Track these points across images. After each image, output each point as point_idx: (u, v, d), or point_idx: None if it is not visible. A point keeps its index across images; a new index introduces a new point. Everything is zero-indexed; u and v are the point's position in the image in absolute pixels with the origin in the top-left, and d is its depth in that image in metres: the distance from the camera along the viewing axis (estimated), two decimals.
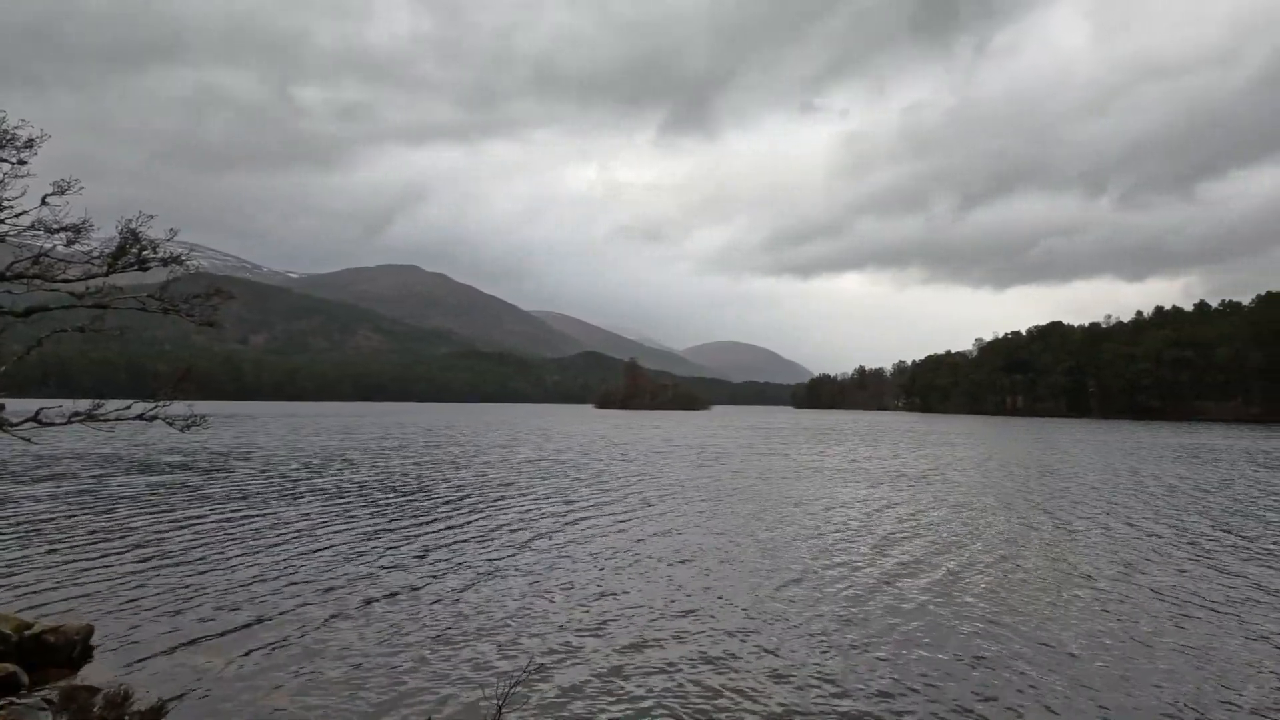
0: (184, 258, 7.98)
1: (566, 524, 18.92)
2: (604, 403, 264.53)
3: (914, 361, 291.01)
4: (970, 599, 12.22)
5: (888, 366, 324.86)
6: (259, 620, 10.66)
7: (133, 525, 17.78)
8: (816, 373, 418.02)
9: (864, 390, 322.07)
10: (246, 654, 9.32)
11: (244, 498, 22.68)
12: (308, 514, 19.78)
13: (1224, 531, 18.90)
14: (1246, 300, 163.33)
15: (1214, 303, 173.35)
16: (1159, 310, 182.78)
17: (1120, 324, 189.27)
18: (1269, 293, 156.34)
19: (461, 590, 12.36)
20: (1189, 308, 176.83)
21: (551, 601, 11.81)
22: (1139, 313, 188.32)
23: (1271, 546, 17.01)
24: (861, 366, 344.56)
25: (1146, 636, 10.39)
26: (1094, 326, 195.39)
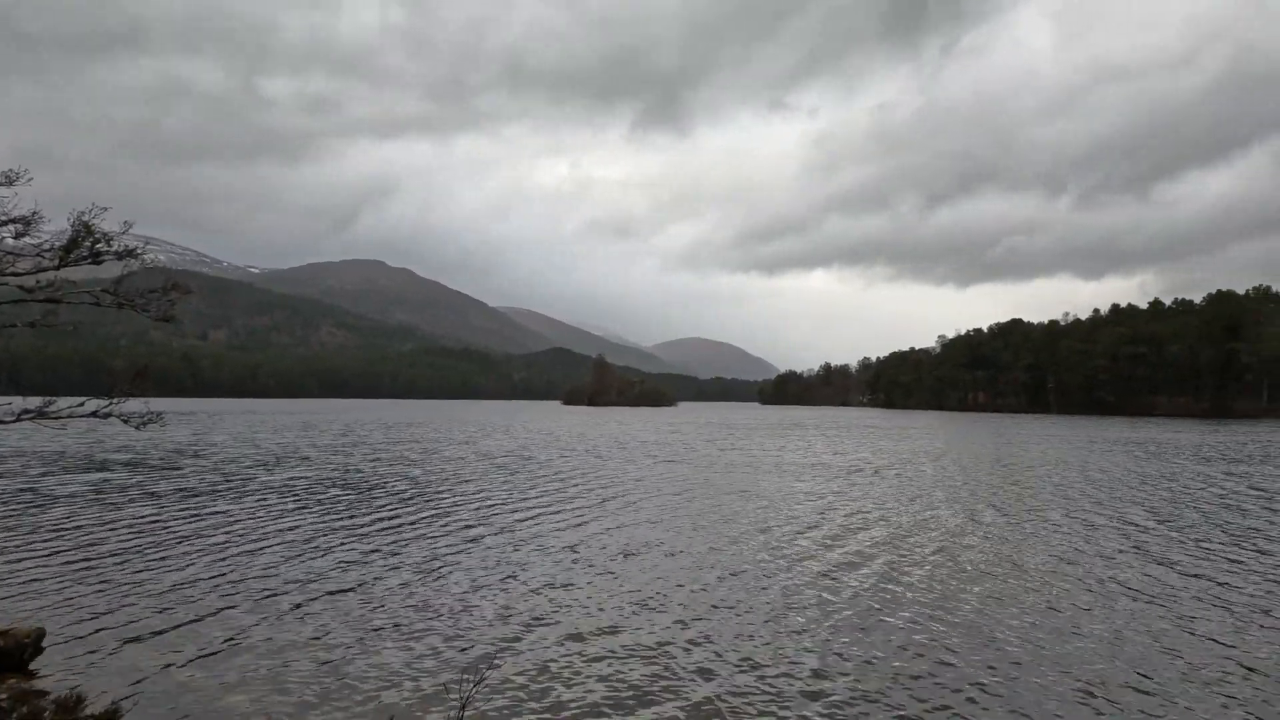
0: (139, 251, 7.85)
1: (524, 521, 18.94)
2: (571, 399, 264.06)
3: (879, 358, 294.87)
4: (903, 589, 12.49)
5: (853, 363, 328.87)
6: (214, 619, 10.55)
7: (82, 524, 17.44)
8: (783, 369, 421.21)
9: (829, 386, 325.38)
10: (202, 654, 9.21)
11: (197, 495, 22.33)
12: (261, 511, 19.55)
13: (1157, 522, 19.49)
14: (1198, 299, 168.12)
15: (1167, 301, 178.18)
16: (1115, 308, 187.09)
17: (1078, 321, 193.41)
18: (1219, 291, 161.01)
19: (420, 588, 12.34)
20: (1144, 305, 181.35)
21: (513, 598, 11.82)
22: (1096, 310, 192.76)
23: (1198, 537, 17.59)
24: (827, 363, 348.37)
25: (1065, 623, 10.71)
26: (1053, 324, 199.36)
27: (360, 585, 12.35)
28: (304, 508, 20.27)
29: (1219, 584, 12.90)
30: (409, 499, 22.33)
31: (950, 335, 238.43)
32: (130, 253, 7.81)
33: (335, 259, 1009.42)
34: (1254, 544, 16.57)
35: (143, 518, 18.37)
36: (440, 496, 22.98)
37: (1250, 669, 8.91)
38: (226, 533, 16.56)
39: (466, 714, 7.31)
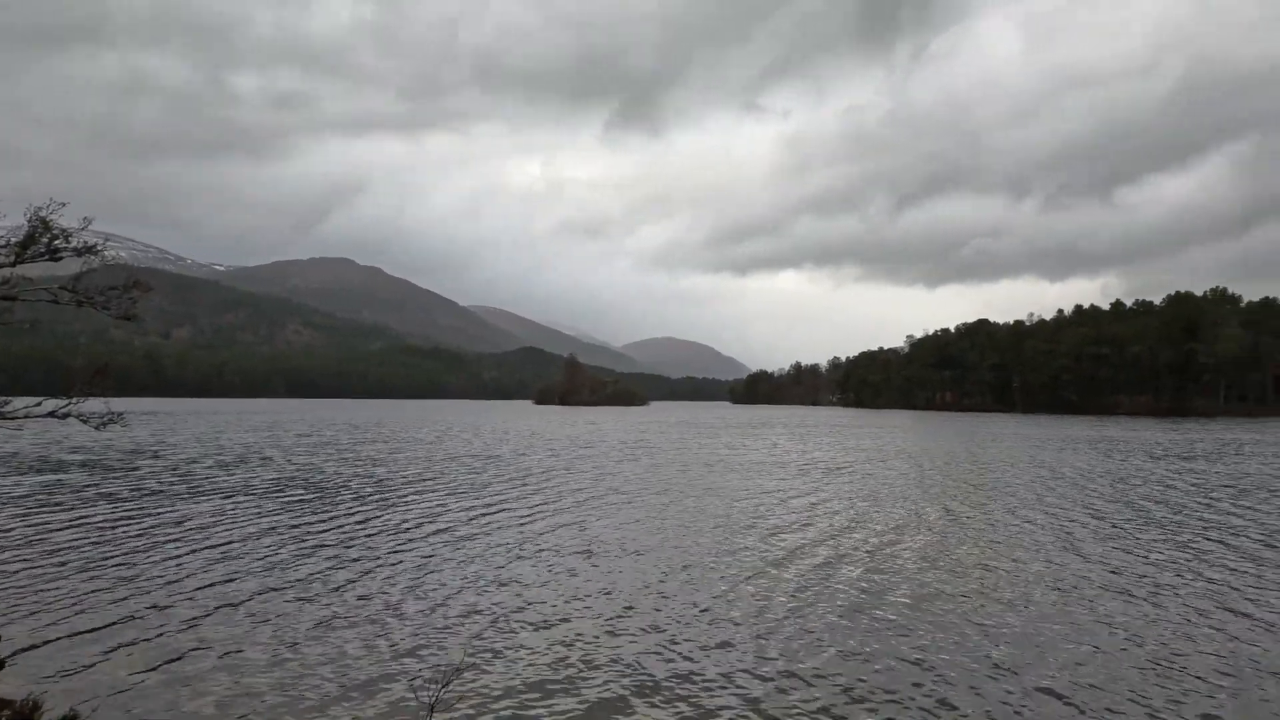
0: (99, 248, 7.68)
1: (489, 521, 18.75)
2: (542, 398, 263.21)
3: (848, 358, 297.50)
4: (841, 583, 12.57)
5: (823, 362, 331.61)
6: (175, 623, 10.29)
7: (37, 527, 16.97)
8: (754, 369, 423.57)
9: (800, 386, 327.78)
10: (163, 659, 8.96)
11: (155, 496, 21.86)
12: (221, 513, 19.16)
13: (1094, 518, 19.75)
14: (1158, 300, 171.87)
15: (1129, 302, 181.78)
16: (1078, 309, 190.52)
17: (1042, 322, 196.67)
18: (1177, 293, 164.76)
19: (385, 589, 12.13)
20: (1106, 307, 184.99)
21: (479, 599, 11.67)
22: (1060, 311, 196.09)
23: (1134, 532, 17.87)
24: (798, 363, 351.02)
25: (986, 617, 10.80)
26: (1018, 324, 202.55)
27: (322, 587, 12.12)
28: (265, 509, 19.94)
29: (1136, 574, 13.18)
30: (372, 500, 22.07)
31: (919, 335, 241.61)
32: (90, 249, 7.64)
33: (303, 257, 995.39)
34: (1181, 536, 16.97)
35: (99, 520, 17.92)
36: (404, 497, 22.76)
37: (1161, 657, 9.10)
38: (185, 535, 16.21)
39: (435, 716, 7.26)
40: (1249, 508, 21.91)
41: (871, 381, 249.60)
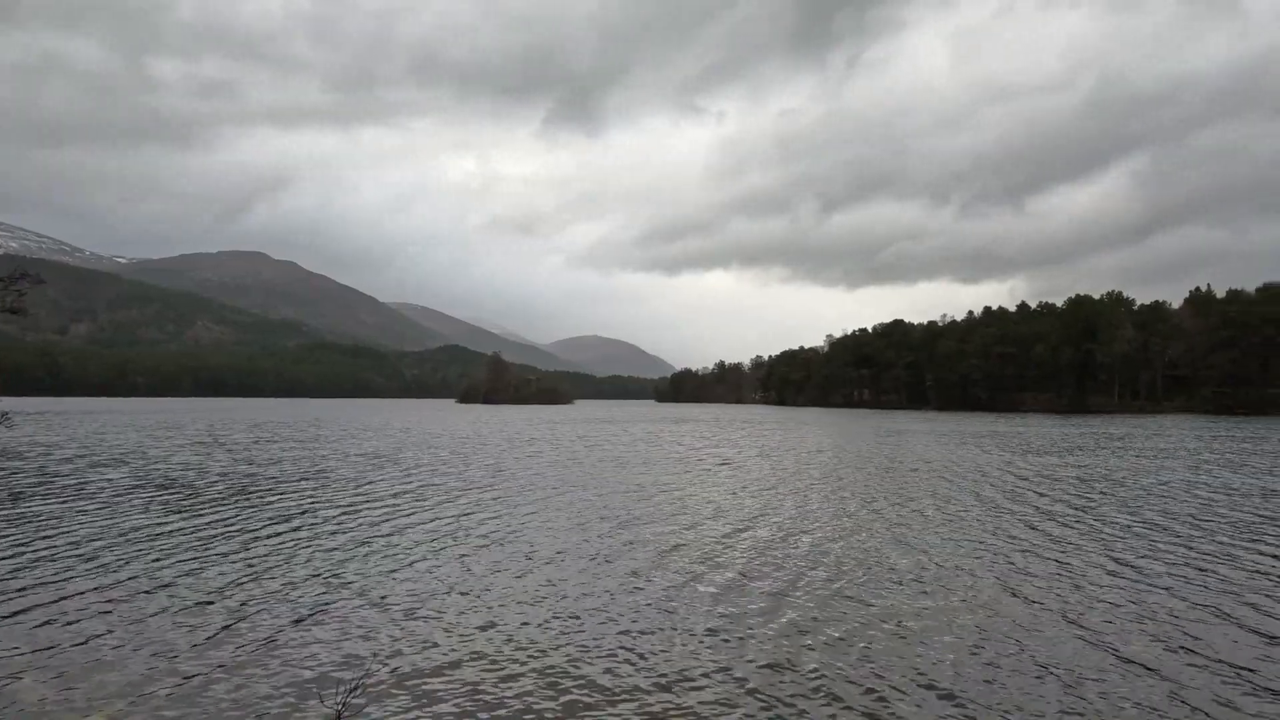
0: None
1: (385, 522, 18.05)
2: (466, 397, 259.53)
3: (771, 357, 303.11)
4: (712, 570, 12.60)
5: (747, 361, 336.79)
6: (62, 631, 9.67)
7: None
8: (680, 367, 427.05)
9: (724, 384, 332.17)
10: (54, 672, 8.36)
11: (24, 500, 20.42)
12: (93, 517, 17.97)
13: (937, 511, 20.35)
14: (1060, 302, 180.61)
15: (1034, 304, 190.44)
16: (987, 310, 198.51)
17: (954, 323, 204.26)
18: (1077, 295, 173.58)
19: (280, 593, 11.56)
20: (1013, 309, 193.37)
21: (381, 601, 11.30)
22: (970, 312, 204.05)
23: (965, 522, 18.43)
24: (722, 361, 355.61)
25: (809, 609, 10.96)
26: (932, 325, 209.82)
27: (212, 593, 11.48)
28: (142, 512, 18.76)
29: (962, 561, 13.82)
30: (259, 501, 21.12)
31: (838, 335, 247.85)
32: None
33: (213, 250, 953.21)
34: (1012, 525, 17.86)
35: None
36: (296, 498, 21.89)
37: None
38: (56, 540, 15.12)
39: None
40: (1087, 495, 23.11)
41: (793, 380, 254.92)
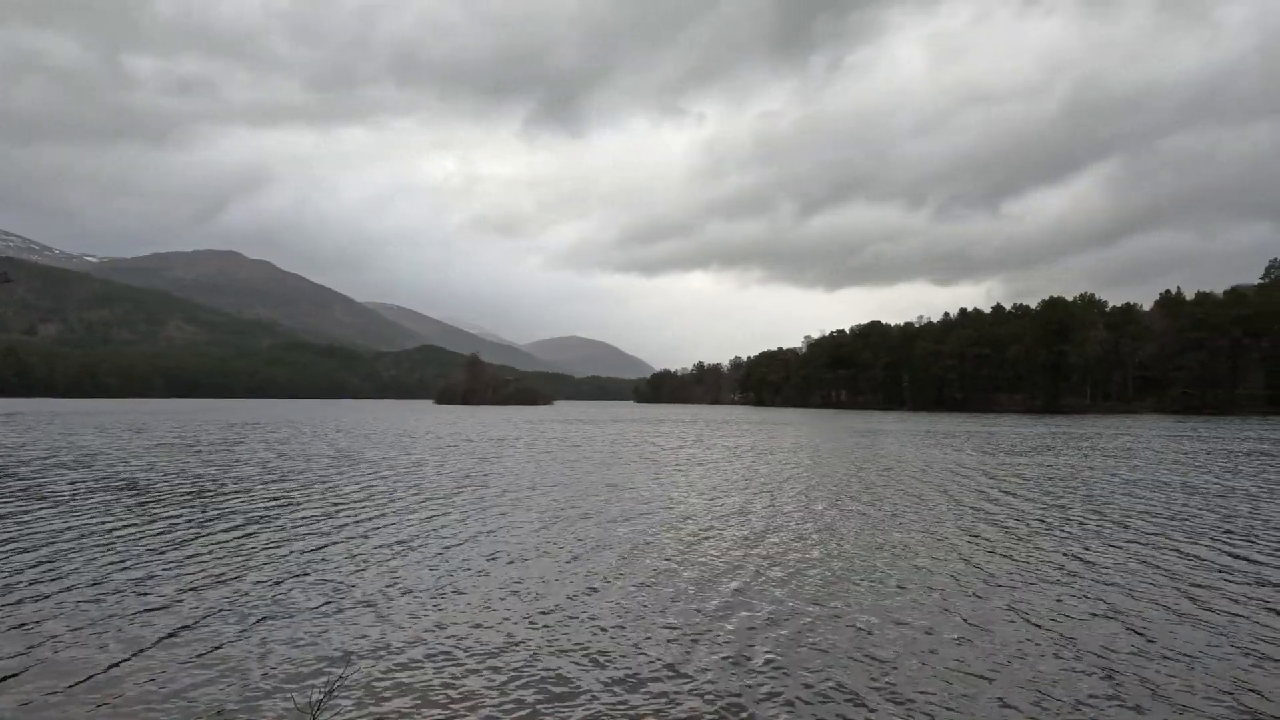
0: None
1: (353, 524, 17.68)
2: (444, 398, 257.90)
3: (749, 357, 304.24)
4: (677, 569, 12.46)
5: (726, 362, 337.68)
6: (18, 638, 9.28)
7: None
8: (659, 368, 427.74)
9: (702, 385, 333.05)
10: (16, 687, 7.99)
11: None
12: (54, 519, 17.39)
13: (900, 510, 20.36)
14: (1034, 304, 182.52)
15: (1008, 306, 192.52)
16: (963, 312, 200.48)
17: (930, 324, 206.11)
18: (1050, 297, 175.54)
19: (247, 595, 11.17)
20: (989, 310, 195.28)
21: (353, 603, 10.97)
22: (946, 314, 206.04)
23: (926, 520, 18.40)
24: (700, 362, 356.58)
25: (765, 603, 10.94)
26: (908, 326, 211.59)
27: (173, 596, 11.05)
28: (103, 513, 18.22)
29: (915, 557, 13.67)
30: (222, 503, 20.59)
31: (816, 336, 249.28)
32: None
33: (186, 249, 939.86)
34: (959, 524, 17.77)
35: None
36: (260, 500, 21.36)
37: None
38: (7, 544, 14.60)
39: None
40: (1046, 493, 23.11)
41: (771, 380, 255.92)
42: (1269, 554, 14.76)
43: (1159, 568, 13.53)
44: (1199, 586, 12.22)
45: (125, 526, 17.02)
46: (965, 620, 10.37)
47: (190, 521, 17.83)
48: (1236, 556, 14.52)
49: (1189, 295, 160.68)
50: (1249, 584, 12.44)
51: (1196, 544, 15.74)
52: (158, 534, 16.21)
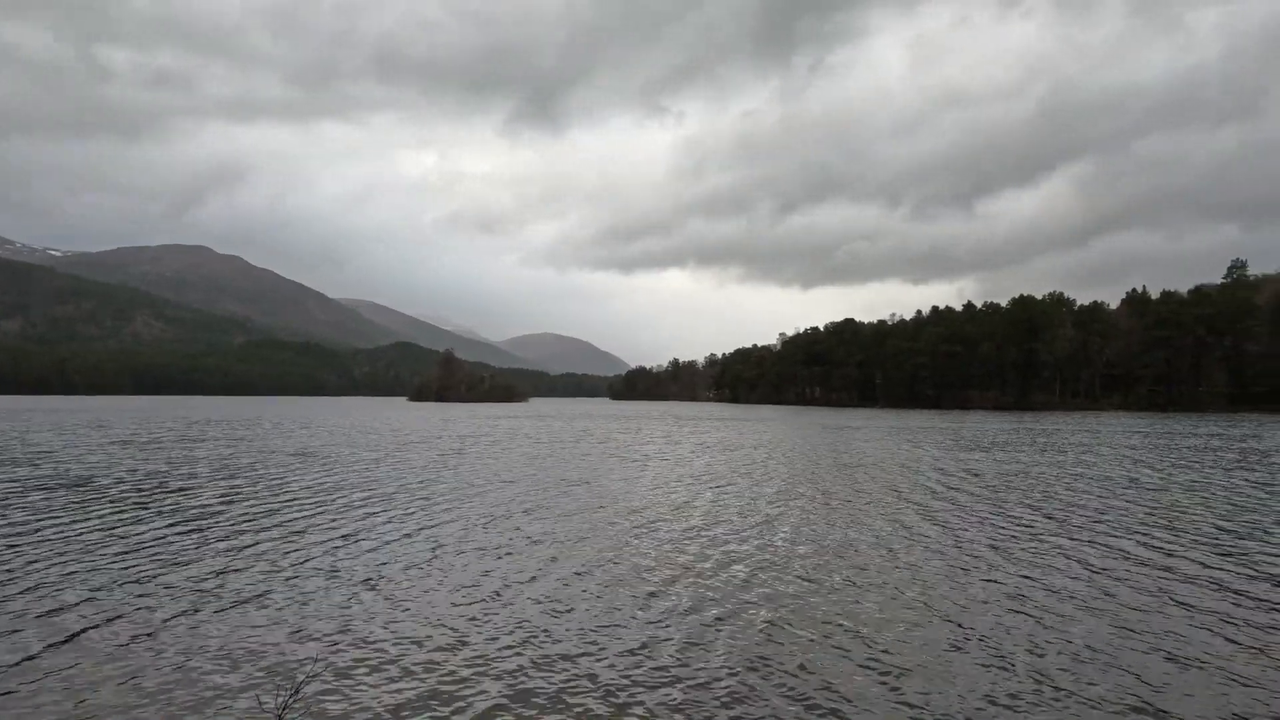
0: None
1: (321, 524, 17.60)
2: (418, 395, 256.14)
3: (725, 355, 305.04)
4: (637, 563, 12.52)
5: (701, 359, 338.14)
6: None
7: None
8: (634, 365, 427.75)
9: (678, 382, 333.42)
10: None
11: None
12: (8, 517, 17.17)
13: (834, 501, 20.72)
14: (1005, 303, 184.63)
15: (980, 304, 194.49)
16: (935, 310, 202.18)
17: (903, 322, 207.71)
18: (1021, 295, 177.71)
19: (216, 596, 11.09)
20: (960, 308, 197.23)
21: (319, 603, 10.94)
22: (919, 312, 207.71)
23: (883, 514, 18.70)
24: (676, 359, 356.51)
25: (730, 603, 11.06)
26: (881, 324, 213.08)
27: (142, 597, 11.04)
28: (59, 511, 18.03)
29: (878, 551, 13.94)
30: (181, 500, 20.39)
31: (791, 334, 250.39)
32: None
33: (155, 244, 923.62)
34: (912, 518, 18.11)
35: None
36: (219, 497, 21.18)
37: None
38: None
39: None
40: (997, 488, 23.55)
41: (746, 377, 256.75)
42: (1187, 546, 15.18)
43: (1077, 560, 13.86)
44: (1113, 579, 12.53)
45: (73, 524, 16.81)
46: (875, 613, 10.57)
47: (140, 520, 17.65)
48: (1154, 549, 14.92)
49: (1154, 294, 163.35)
50: (1163, 577, 12.78)
51: (1121, 538, 16.13)
52: (101, 531, 16.04)
